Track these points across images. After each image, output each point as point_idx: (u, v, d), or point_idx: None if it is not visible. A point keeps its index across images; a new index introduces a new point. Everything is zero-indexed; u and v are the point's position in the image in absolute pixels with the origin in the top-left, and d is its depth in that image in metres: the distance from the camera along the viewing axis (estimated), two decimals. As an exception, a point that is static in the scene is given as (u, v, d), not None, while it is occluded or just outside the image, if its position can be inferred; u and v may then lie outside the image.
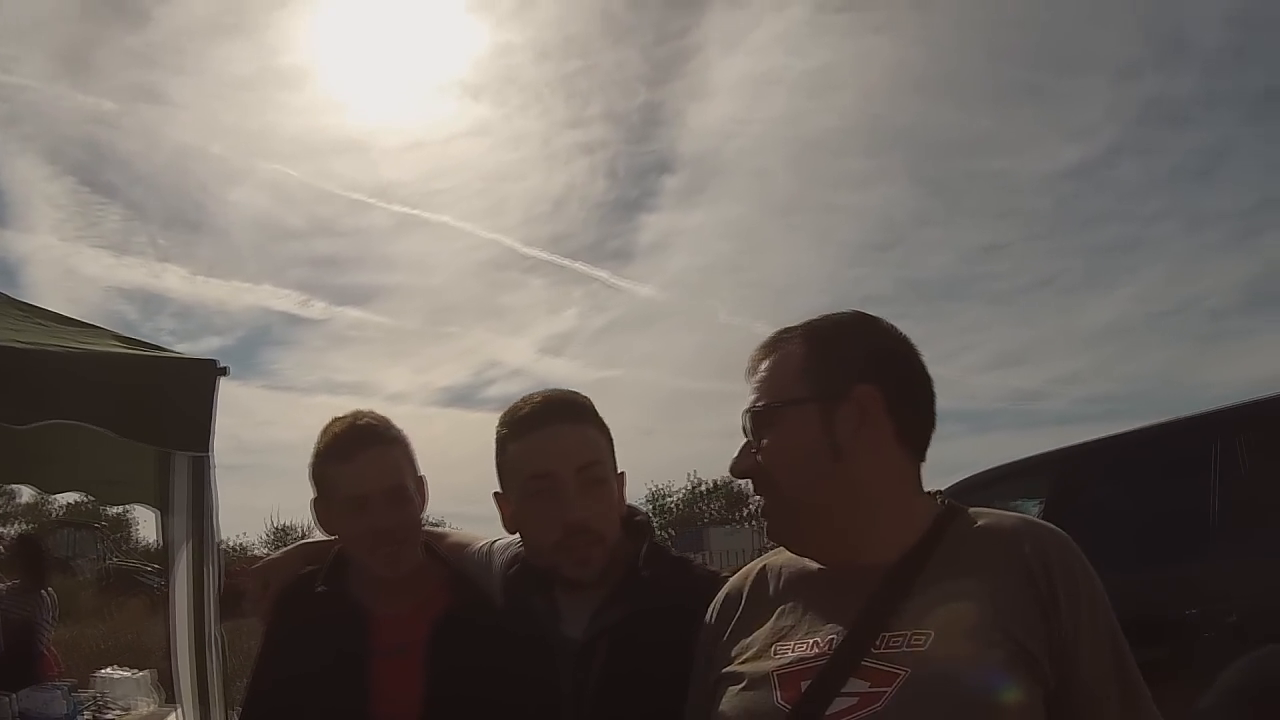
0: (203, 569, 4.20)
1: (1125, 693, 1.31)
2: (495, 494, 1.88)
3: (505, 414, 1.86)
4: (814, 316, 1.53)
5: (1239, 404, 5.03)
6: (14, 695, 4.42)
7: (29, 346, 4.10)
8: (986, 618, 1.26)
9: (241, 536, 31.89)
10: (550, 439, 1.77)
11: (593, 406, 1.86)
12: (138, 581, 22.76)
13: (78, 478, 6.86)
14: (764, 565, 1.57)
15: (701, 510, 27.63)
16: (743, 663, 1.44)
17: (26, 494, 27.53)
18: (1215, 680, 4.08)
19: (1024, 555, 1.31)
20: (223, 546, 4.46)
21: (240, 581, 2.26)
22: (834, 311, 1.53)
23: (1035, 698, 1.24)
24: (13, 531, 21.96)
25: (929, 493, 1.48)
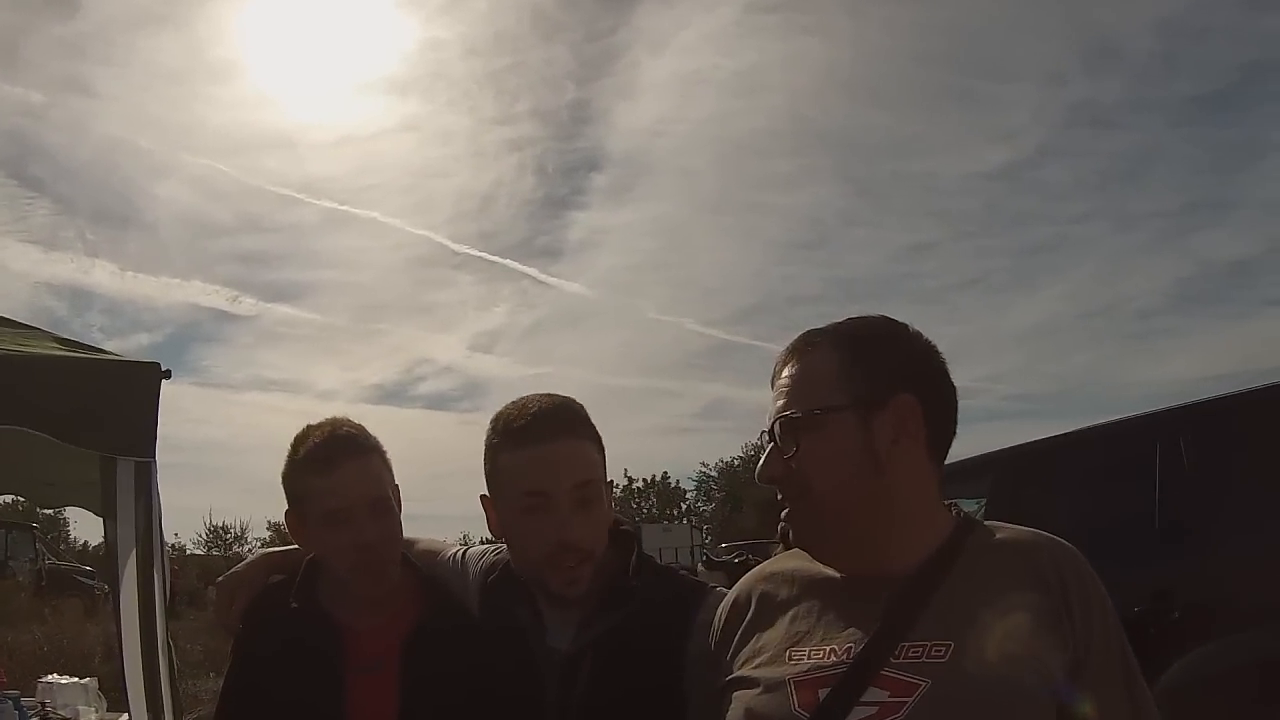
0: (150, 574, 4.13)
1: (1135, 709, 1.33)
2: (483, 496, 1.84)
3: (499, 419, 1.81)
4: (840, 320, 1.51)
5: (1182, 405, 5.15)
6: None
7: (-36, 350, 4.00)
8: (1006, 632, 1.27)
9: (175, 537, 31.45)
10: (547, 455, 1.73)
11: (588, 417, 1.82)
12: (75, 583, 22.31)
13: (13, 480, 6.69)
14: (773, 570, 1.56)
15: (636, 508, 27.42)
16: (755, 668, 1.43)
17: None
18: (1158, 680, 4.13)
19: (1041, 569, 1.33)
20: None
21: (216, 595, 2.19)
22: (860, 315, 1.52)
23: (1051, 712, 1.25)
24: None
25: (947, 504, 1.48)
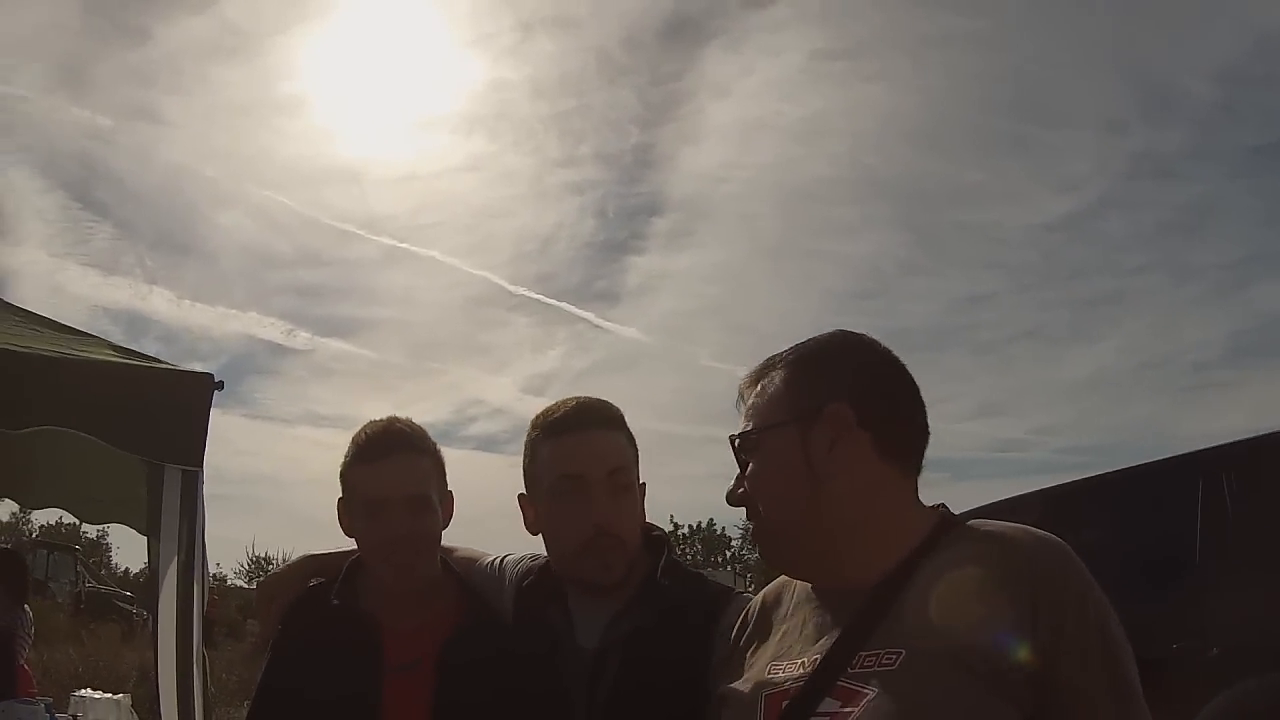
0: (190, 588, 4.08)
1: (1120, 711, 1.25)
2: (520, 495, 1.91)
3: (537, 418, 1.90)
4: (801, 341, 1.53)
5: (1223, 444, 5.05)
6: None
7: (24, 350, 4.04)
8: (959, 634, 1.23)
9: (218, 566, 31.60)
10: (583, 442, 1.82)
11: (623, 416, 1.90)
12: (114, 607, 22.50)
13: (60, 492, 6.75)
14: (780, 584, 1.57)
15: (681, 554, 27.56)
16: (743, 681, 1.46)
17: (4, 512, 27.30)
18: (1198, 714, 4.09)
19: (1008, 565, 1.28)
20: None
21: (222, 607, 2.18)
22: (819, 334, 1.53)
23: (1004, 716, 1.20)
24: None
25: (931, 506, 1.45)
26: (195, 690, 4.01)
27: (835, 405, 1.40)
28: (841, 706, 1.26)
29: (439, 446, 2.05)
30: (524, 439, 1.91)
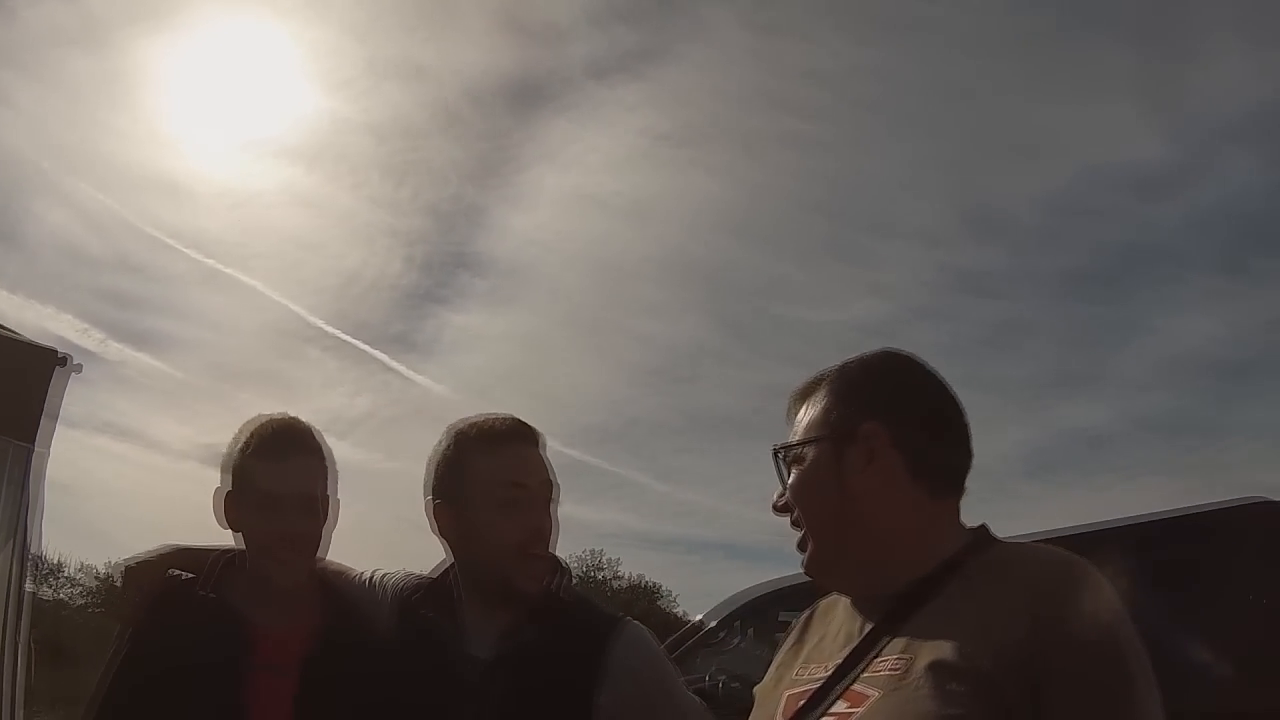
0: (15, 571, 3.84)
1: None
2: (437, 504, 1.92)
3: (469, 428, 1.93)
4: (849, 358, 1.55)
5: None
6: None
7: None
8: (961, 646, 1.25)
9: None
10: (525, 454, 1.91)
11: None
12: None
13: None
14: (831, 600, 1.59)
15: None
16: (774, 681, 1.53)
17: None
18: None
19: (1020, 582, 1.30)
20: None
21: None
22: (867, 353, 1.55)
23: None
24: None
25: (971, 528, 1.47)
26: (17, 675, 3.77)
27: (870, 424, 1.44)
28: (849, 708, 1.31)
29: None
30: (436, 447, 1.95)
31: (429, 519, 1.94)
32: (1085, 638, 1.23)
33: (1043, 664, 1.21)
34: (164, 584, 2.00)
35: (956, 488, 1.47)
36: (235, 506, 1.97)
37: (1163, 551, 4.97)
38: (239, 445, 1.99)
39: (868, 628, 1.41)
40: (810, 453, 1.48)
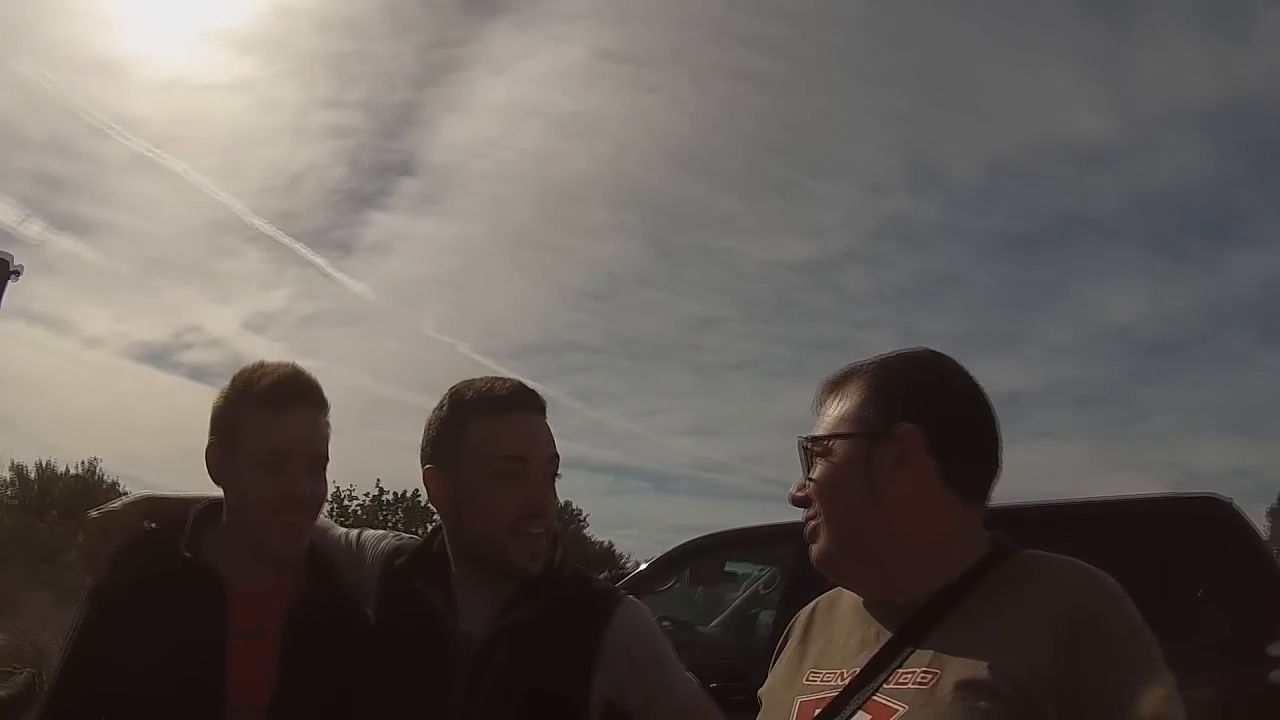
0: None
1: None
2: (428, 469, 1.83)
3: (464, 389, 1.83)
4: (887, 353, 1.52)
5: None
6: None
7: None
8: (994, 661, 1.24)
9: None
10: (528, 425, 1.81)
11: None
12: None
13: None
14: (838, 594, 1.57)
15: (383, 519, 27.00)
16: (781, 685, 1.49)
17: None
18: None
19: (1053, 599, 1.28)
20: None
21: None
22: (905, 349, 1.52)
23: None
24: None
25: (989, 535, 1.45)
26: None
27: (908, 426, 1.40)
28: None
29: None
30: (435, 408, 1.85)
31: (423, 483, 1.86)
32: (1122, 655, 1.22)
33: (1080, 683, 1.20)
34: (134, 538, 1.88)
35: (984, 497, 1.45)
36: (225, 461, 1.83)
37: (1112, 534, 5.06)
38: (236, 393, 1.84)
39: (885, 635, 1.38)
40: (840, 448, 1.44)
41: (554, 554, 1.83)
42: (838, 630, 1.49)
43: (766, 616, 6.46)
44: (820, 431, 1.48)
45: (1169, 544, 4.86)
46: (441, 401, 1.84)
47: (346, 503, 27.22)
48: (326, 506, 1.96)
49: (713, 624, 7.37)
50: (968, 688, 1.23)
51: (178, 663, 1.70)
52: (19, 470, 28.97)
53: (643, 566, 7.12)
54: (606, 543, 33.31)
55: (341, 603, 1.86)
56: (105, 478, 25.38)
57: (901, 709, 1.26)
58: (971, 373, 1.47)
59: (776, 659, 1.58)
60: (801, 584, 5.28)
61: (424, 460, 1.84)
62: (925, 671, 1.28)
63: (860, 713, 1.30)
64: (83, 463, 26.39)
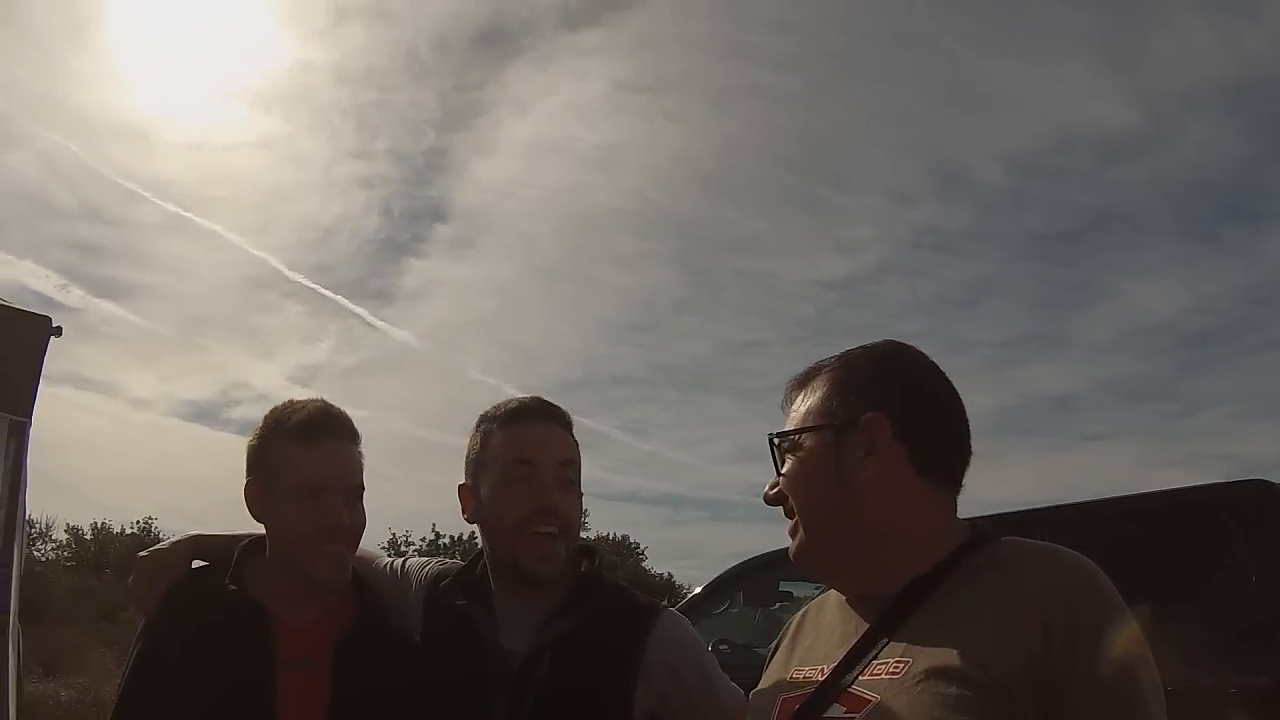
0: (11, 547, 3.74)
1: None
2: (461, 486, 1.89)
3: (492, 409, 1.90)
4: (852, 347, 1.51)
5: (1000, 514, 5.13)
6: None
7: None
8: (968, 650, 1.21)
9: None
10: (538, 431, 1.85)
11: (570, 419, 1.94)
12: None
13: None
14: (825, 596, 1.56)
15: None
16: (767, 683, 1.48)
17: None
18: None
19: (1028, 584, 1.25)
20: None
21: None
22: (871, 342, 1.50)
23: None
24: None
25: (967, 522, 1.43)
26: (9, 665, 3.69)
27: (873, 415, 1.39)
28: (846, 712, 1.27)
29: None
30: (471, 432, 1.90)
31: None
32: (1101, 644, 1.19)
33: (1057, 671, 1.18)
34: (182, 576, 1.91)
35: (956, 483, 1.43)
36: (261, 496, 1.87)
37: (1161, 526, 5.01)
38: (269, 430, 1.88)
39: (863, 628, 1.36)
40: (808, 441, 1.43)
41: (591, 566, 1.86)
42: (823, 628, 1.48)
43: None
44: (787, 427, 1.48)
45: (1218, 531, 4.76)
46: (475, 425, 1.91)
47: (404, 549, 27.34)
48: (386, 551, 1.99)
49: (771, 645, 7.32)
50: (939, 675, 1.21)
51: (229, 695, 1.72)
52: (75, 532, 29.46)
53: (696, 590, 7.08)
54: (665, 574, 33.17)
55: (388, 630, 1.88)
56: (161, 535, 25.73)
57: (874, 699, 1.25)
58: (954, 367, 1.45)
59: (769, 662, 1.56)
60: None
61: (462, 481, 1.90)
62: (899, 661, 1.27)
63: (835, 705, 1.29)
64: (137, 522, 26.86)
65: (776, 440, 1.47)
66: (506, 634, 1.77)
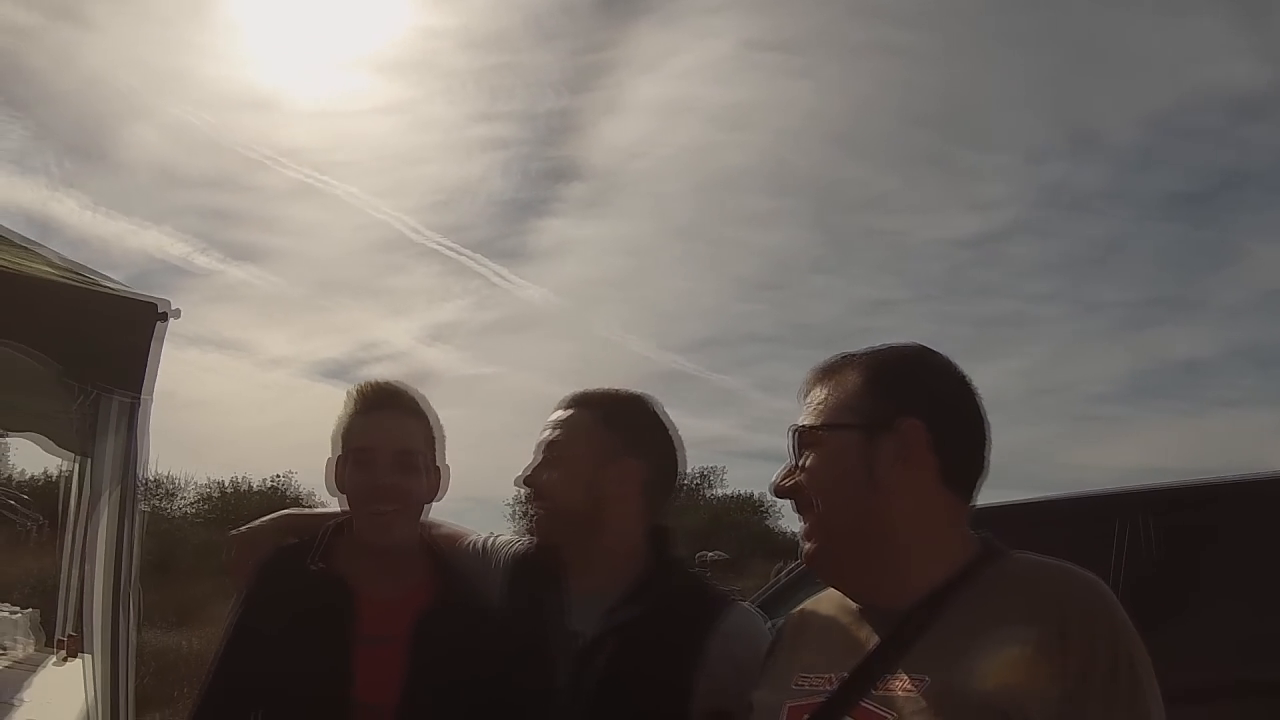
0: (123, 520, 3.99)
1: None
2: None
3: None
4: (878, 346, 1.50)
5: (1151, 487, 5.05)
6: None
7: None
8: (985, 668, 1.22)
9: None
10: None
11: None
12: (3, 513, 21.75)
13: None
14: (821, 600, 1.56)
15: None
16: (768, 690, 1.46)
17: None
18: None
19: (1044, 602, 1.27)
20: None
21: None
22: (896, 343, 1.50)
23: None
24: None
25: (977, 536, 1.44)
26: (126, 631, 3.94)
27: (911, 421, 1.38)
28: None
29: (430, 416, 2.06)
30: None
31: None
32: (1116, 662, 1.21)
33: (1075, 690, 1.19)
34: (273, 552, 2.04)
35: (973, 498, 1.44)
36: (340, 468, 2.00)
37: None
38: (344, 407, 2.02)
39: (874, 639, 1.36)
40: (837, 437, 1.41)
41: (663, 555, 1.88)
42: (826, 634, 1.46)
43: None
44: (812, 420, 1.44)
45: None
46: None
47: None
48: (511, 509, 2.11)
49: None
50: (958, 695, 1.22)
51: (312, 667, 1.83)
52: (208, 489, 30.73)
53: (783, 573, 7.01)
54: (792, 533, 32.98)
55: (465, 607, 1.95)
56: (300, 490, 26.71)
57: (891, 716, 1.25)
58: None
59: (767, 664, 1.56)
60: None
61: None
62: (916, 678, 1.26)
63: (847, 718, 1.29)
64: (276, 476, 27.92)
65: (800, 433, 1.45)
66: (578, 616, 1.81)
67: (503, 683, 1.82)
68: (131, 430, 4.05)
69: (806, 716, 1.34)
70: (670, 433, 1.93)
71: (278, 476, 28.19)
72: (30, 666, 5.52)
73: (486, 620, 1.93)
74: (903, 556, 1.37)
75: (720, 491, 34.81)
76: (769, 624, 1.86)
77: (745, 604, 1.90)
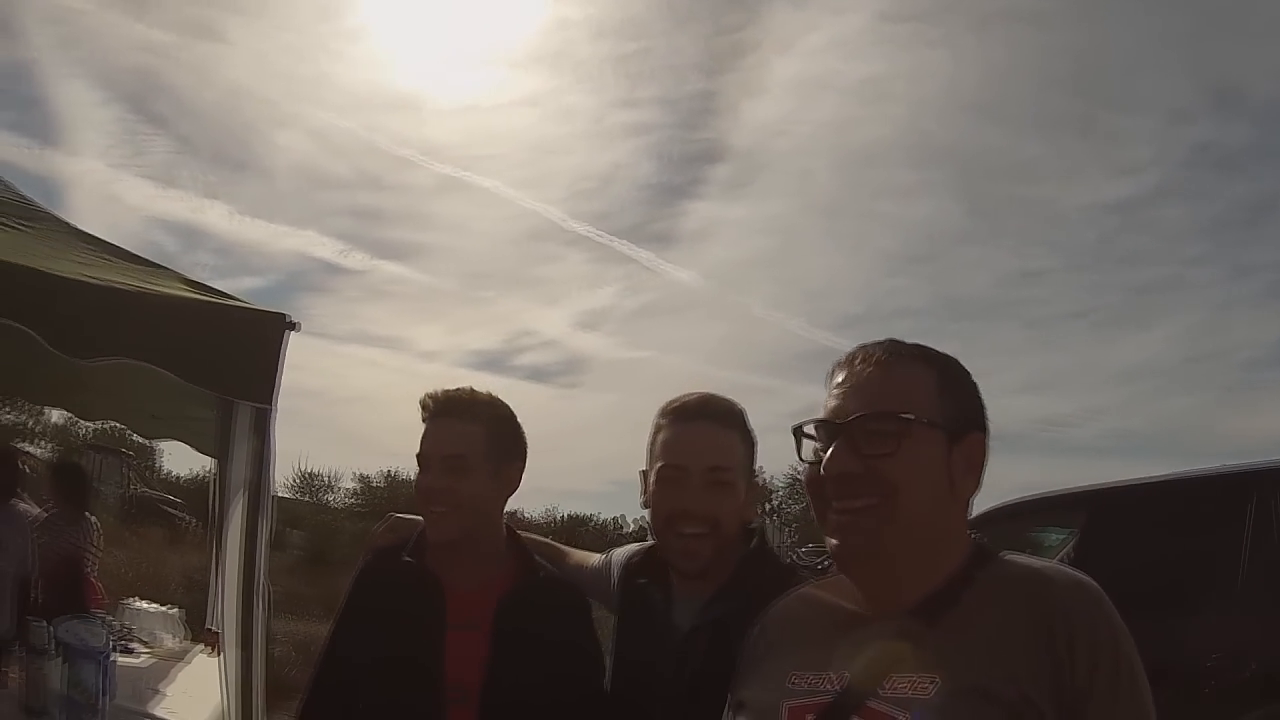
0: (257, 520, 4.21)
1: None
2: (642, 471, 2.02)
3: (668, 402, 2.00)
4: (912, 343, 1.47)
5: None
6: (52, 624, 4.41)
7: (97, 282, 4.08)
8: (995, 668, 1.24)
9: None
10: (690, 434, 1.93)
11: (740, 414, 2.00)
12: (160, 511, 22.97)
13: (118, 409, 6.88)
14: (808, 593, 1.57)
15: None
16: (762, 689, 1.45)
17: (55, 415, 27.78)
18: None
19: (1046, 604, 1.28)
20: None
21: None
22: (934, 348, 1.47)
23: None
24: (39, 452, 22.04)
25: (973, 539, 1.46)
26: (257, 624, 4.16)
27: (979, 435, 1.42)
28: None
29: (502, 419, 2.19)
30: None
31: None
32: (1119, 662, 1.25)
33: (1079, 688, 1.22)
34: (379, 549, 2.28)
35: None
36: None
37: None
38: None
39: (877, 637, 1.35)
40: (922, 434, 1.36)
41: (756, 549, 1.95)
42: (820, 631, 1.45)
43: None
44: (897, 407, 1.36)
45: None
46: None
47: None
48: None
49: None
50: (969, 695, 1.22)
51: (407, 650, 2.04)
52: (364, 480, 31.62)
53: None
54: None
55: (546, 598, 2.13)
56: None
57: (902, 717, 1.25)
58: None
59: (748, 661, 1.55)
60: (1093, 551, 5.16)
61: None
62: (925, 678, 1.27)
63: (854, 718, 1.29)
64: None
65: (892, 417, 1.36)
66: (680, 611, 1.92)
67: (611, 676, 1.99)
68: (262, 434, 4.27)
69: (810, 716, 1.33)
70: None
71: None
72: (178, 659, 5.87)
73: (570, 609, 2.15)
74: (929, 559, 1.38)
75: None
76: None
77: None
